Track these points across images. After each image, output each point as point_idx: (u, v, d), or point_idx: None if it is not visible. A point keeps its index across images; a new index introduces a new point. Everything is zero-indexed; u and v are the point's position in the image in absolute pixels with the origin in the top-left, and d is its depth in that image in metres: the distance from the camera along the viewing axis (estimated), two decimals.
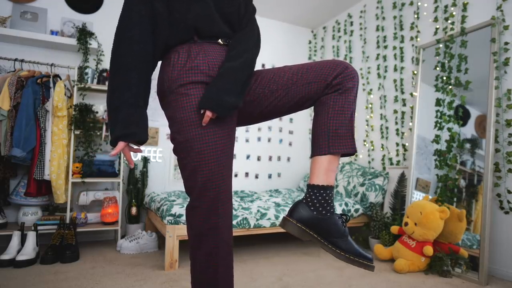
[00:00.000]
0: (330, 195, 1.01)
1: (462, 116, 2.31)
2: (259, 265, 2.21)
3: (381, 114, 3.10)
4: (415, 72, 2.75)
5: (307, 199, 1.01)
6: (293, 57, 4.05)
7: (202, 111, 1.01)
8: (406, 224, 2.20)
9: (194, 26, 1.06)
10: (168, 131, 3.26)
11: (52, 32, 2.73)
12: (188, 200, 2.46)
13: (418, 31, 2.77)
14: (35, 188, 2.42)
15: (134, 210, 2.81)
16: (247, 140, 3.68)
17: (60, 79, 2.62)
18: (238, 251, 2.57)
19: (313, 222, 0.99)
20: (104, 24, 3.04)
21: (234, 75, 1.04)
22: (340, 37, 3.72)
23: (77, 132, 2.57)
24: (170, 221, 2.10)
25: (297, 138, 3.99)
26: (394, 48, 2.98)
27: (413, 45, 2.82)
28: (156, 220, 2.45)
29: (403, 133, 2.87)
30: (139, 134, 1.02)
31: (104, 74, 2.78)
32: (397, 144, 2.90)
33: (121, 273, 2.00)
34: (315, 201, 1.00)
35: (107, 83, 2.77)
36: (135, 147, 1.04)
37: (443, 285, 1.89)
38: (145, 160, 3.02)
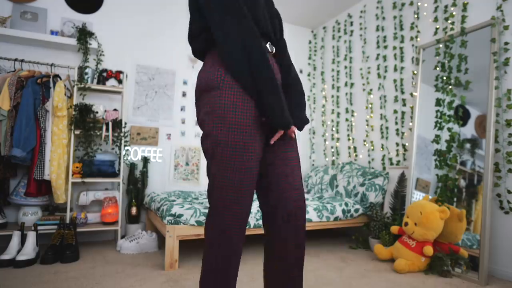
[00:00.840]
0: None
1: (462, 116, 2.31)
2: (259, 265, 2.21)
3: (381, 114, 3.10)
4: (415, 72, 2.75)
5: None
6: (293, 57, 4.04)
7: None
8: (406, 224, 2.20)
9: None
10: (167, 131, 3.26)
11: (52, 32, 2.73)
12: (187, 200, 2.46)
13: (418, 31, 2.77)
14: (35, 188, 2.42)
15: (134, 210, 2.81)
16: None
17: (60, 79, 2.63)
18: None
19: None
20: (104, 24, 3.04)
21: (302, 97, 1.24)
22: (340, 37, 3.72)
23: (77, 132, 2.57)
24: (170, 221, 2.10)
25: (296, 138, 3.99)
26: (394, 48, 2.98)
27: (413, 45, 2.82)
28: (156, 220, 2.45)
29: (403, 133, 2.87)
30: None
31: (104, 74, 2.78)
32: (397, 144, 2.90)
33: (121, 273, 2.00)
34: None
35: (107, 81, 2.77)
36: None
37: (443, 285, 1.89)
38: (145, 160, 3.02)
